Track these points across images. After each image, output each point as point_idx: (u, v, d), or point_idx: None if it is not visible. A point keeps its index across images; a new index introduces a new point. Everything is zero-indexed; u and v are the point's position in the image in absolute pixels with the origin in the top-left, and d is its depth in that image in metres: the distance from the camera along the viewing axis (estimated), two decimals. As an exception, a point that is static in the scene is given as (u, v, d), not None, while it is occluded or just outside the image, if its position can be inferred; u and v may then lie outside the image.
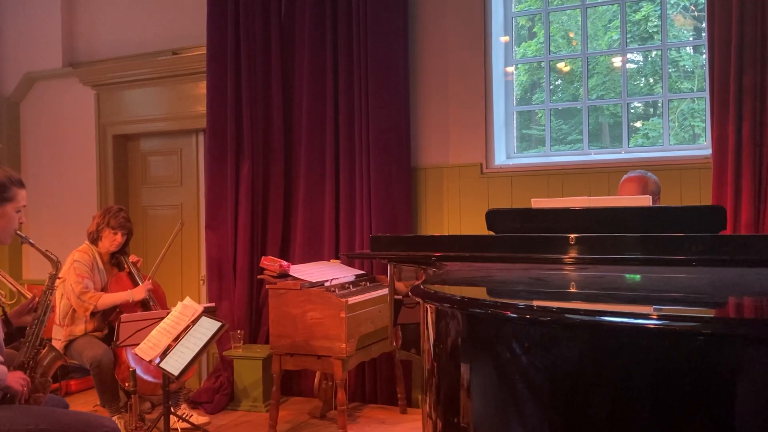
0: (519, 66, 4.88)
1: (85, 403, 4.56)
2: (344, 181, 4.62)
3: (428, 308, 1.80)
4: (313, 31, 4.66)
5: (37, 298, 2.75)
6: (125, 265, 4.35)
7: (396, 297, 2.93)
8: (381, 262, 4.22)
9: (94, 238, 4.26)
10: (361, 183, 4.55)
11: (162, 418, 3.48)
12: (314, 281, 3.92)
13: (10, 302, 3.50)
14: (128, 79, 5.48)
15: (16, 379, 2.49)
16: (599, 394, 1.42)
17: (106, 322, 4.19)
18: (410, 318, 2.80)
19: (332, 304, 3.76)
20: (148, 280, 4.26)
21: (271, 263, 4.02)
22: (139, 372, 3.80)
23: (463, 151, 4.58)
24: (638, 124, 4.96)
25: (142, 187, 5.71)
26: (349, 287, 4.07)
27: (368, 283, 4.26)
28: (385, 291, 3.91)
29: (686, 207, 3.01)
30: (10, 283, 3.28)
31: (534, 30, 5.09)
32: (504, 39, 4.68)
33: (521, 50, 5.01)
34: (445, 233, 4.51)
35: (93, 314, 4.09)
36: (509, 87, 4.71)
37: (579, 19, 4.62)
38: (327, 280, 3.99)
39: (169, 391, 3.50)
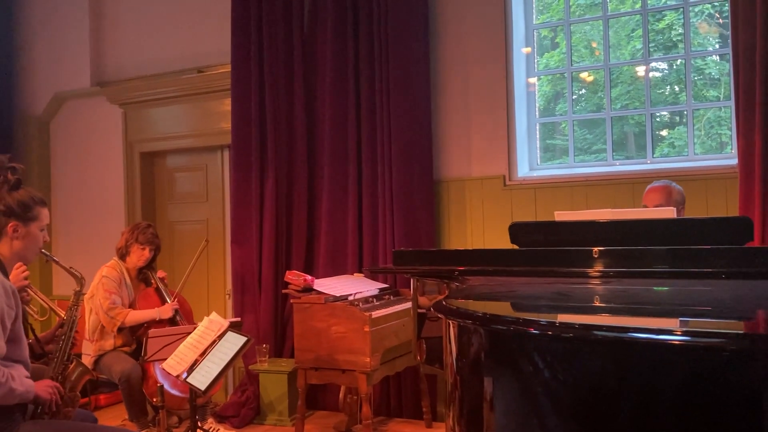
0: (542, 76, 4.87)
1: (114, 418, 4.61)
2: (367, 194, 4.64)
3: (450, 324, 1.80)
4: (335, 46, 4.71)
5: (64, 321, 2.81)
6: (152, 281, 4.41)
7: (419, 311, 2.93)
8: (404, 276, 4.22)
9: (123, 254, 4.34)
10: (384, 196, 4.57)
11: (189, 432, 3.51)
12: (338, 295, 3.93)
13: (41, 318, 3.57)
14: (154, 97, 5.58)
15: (44, 388, 2.53)
16: (623, 409, 1.41)
17: (135, 337, 4.24)
18: (434, 331, 2.80)
19: (356, 318, 3.76)
20: (174, 299, 4.31)
21: (295, 277, 4.04)
22: (166, 387, 3.84)
23: (486, 164, 4.57)
24: (664, 133, 4.91)
25: (169, 203, 5.79)
26: (372, 301, 4.07)
27: (392, 297, 4.26)
28: (409, 304, 3.90)
29: (712, 219, 2.97)
30: (42, 299, 3.34)
31: (556, 40, 5.08)
32: (526, 50, 4.68)
33: (544, 60, 5.01)
34: (469, 246, 4.51)
35: (120, 330, 4.15)
36: (531, 98, 4.71)
37: (602, 29, 4.60)
38: (351, 294, 4.00)
39: (196, 405, 3.52)
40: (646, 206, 3.45)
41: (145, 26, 5.72)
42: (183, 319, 4.31)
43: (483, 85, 4.58)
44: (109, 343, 4.17)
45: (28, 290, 2.83)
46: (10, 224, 2.47)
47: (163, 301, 4.34)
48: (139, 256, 4.31)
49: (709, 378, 1.32)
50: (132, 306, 4.26)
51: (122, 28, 5.83)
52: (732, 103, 3.92)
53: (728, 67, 4.20)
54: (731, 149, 4.22)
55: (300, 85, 4.85)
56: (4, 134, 5.91)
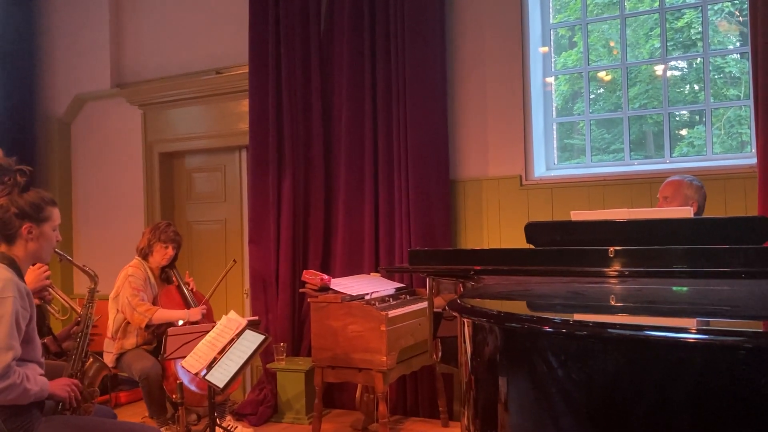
0: (559, 75, 4.86)
1: (134, 415, 4.67)
2: (383, 194, 4.66)
3: (465, 322, 1.81)
4: (351, 47, 4.73)
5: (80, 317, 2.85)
6: (174, 279, 4.46)
7: (435, 310, 2.94)
8: (420, 275, 4.23)
9: (146, 254, 4.39)
10: (400, 196, 4.58)
11: (208, 429, 3.55)
12: (354, 294, 3.95)
13: (63, 318, 3.62)
14: (173, 99, 5.63)
15: (61, 386, 2.56)
16: (637, 408, 1.41)
17: (156, 335, 4.29)
18: (450, 331, 2.81)
19: (372, 318, 3.78)
20: (203, 305, 4.36)
21: (312, 277, 4.07)
22: (186, 384, 3.88)
23: (502, 164, 4.57)
24: (683, 132, 4.88)
25: (187, 203, 5.85)
26: (389, 300, 4.09)
27: (408, 297, 4.28)
28: (425, 304, 3.92)
29: (729, 218, 2.95)
30: (63, 299, 3.39)
31: (574, 39, 5.06)
32: (543, 50, 4.67)
33: (562, 59, 4.99)
34: (485, 246, 4.50)
35: (147, 327, 4.19)
36: (548, 98, 4.70)
37: (620, 28, 4.58)
38: (367, 294, 4.02)
39: (215, 403, 3.56)
40: (658, 198, 3.46)
41: (164, 28, 5.78)
42: (204, 318, 4.34)
43: (500, 85, 4.58)
44: (130, 341, 4.22)
45: (50, 289, 2.87)
46: (24, 226, 2.49)
47: (185, 300, 4.39)
48: (162, 254, 4.37)
49: (726, 377, 1.32)
50: (155, 302, 4.31)
51: (141, 30, 5.90)
52: (751, 101, 3.88)
53: (748, 65, 4.16)
54: (750, 149, 4.18)
55: (317, 85, 4.88)
56: (26, 135, 6.01)
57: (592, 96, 4.78)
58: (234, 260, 4.54)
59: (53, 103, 6.20)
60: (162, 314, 4.18)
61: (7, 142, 5.66)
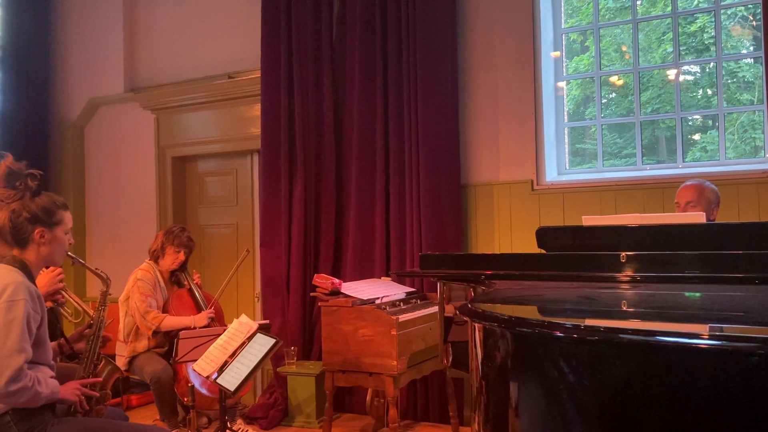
0: (571, 80, 4.84)
1: (145, 418, 4.69)
2: (394, 199, 4.66)
3: (476, 327, 1.81)
4: (363, 52, 4.74)
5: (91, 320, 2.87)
6: (185, 282, 4.48)
7: (446, 315, 2.94)
8: (431, 279, 4.23)
9: (157, 256, 4.41)
10: (411, 201, 4.58)
11: (218, 432, 3.56)
12: (365, 299, 3.95)
13: (75, 320, 3.64)
14: (186, 103, 5.67)
15: (71, 391, 2.58)
16: (649, 414, 1.40)
17: (168, 338, 4.30)
18: (460, 336, 2.80)
19: (383, 322, 3.78)
20: (211, 308, 4.37)
21: (323, 281, 4.08)
22: (197, 387, 3.89)
23: (514, 168, 4.56)
24: (696, 137, 4.85)
25: (199, 207, 5.88)
26: (399, 305, 4.08)
27: (419, 301, 4.27)
28: (436, 308, 3.91)
29: (743, 223, 2.93)
30: (76, 302, 3.41)
31: (586, 44, 5.05)
32: (554, 54, 4.67)
33: (573, 64, 4.98)
34: (496, 251, 4.50)
35: (155, 333, 4.22)
36: (560, 102, 4.69)
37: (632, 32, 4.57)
38: (378, 298, 4.02)
39: (226, 406, 3.57)
40: (678, 203, 3.42)
41: (177, 33, 5.82)
42: (215, 321, 4.35)
43: (511, 90, 4.57)
44: (142, 344, 4.24)
45: (63, 292, 2.89)
46: (36, 230, 2.51)
47: (197, 303, 4.40)
48: (173, 259, 4.39)
49: (739, 383, 1.31)
50: (166, 306, 4.33)
51: (155, 35, 5.94)
52: (764, 106, 3.86)
53: (761, 69, 4.13)
54: (765, 153, 4.15)
55: (329, 90, 4.89)
56: (40, 139, 6.07)
57: (604, 100, 4.76)
58: (247, 250, 4.55)
59: (67, 107, 6.25)
60: (170, 322, 4.20)
61: (21, 146, 5.72)
